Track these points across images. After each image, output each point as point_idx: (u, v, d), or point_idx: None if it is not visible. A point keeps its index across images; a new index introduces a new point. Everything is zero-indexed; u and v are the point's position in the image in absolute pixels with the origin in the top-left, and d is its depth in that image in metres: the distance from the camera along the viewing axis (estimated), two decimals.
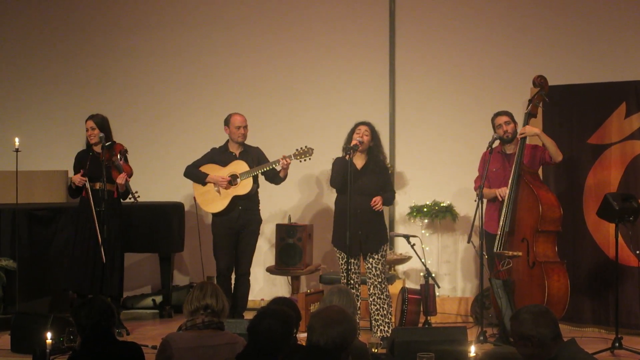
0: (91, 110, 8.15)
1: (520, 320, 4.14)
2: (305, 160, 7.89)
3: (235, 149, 8.07)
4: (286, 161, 7.80)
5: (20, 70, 10.22)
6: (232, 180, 7.92)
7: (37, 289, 8.83)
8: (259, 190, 8.13)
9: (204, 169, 8.04)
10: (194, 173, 8.06)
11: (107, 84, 10.01)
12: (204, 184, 8.01)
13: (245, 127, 8.05)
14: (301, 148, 7.85)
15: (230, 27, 9.84)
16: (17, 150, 7.93)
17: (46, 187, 9.46)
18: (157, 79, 9.96)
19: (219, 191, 7.95)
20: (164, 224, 9.00)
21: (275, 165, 7.85)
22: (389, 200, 7.74)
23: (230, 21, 9.85)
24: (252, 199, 8.01)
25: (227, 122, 8.08)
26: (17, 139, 7.96)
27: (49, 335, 5.32)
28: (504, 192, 7.43)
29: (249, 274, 8.12)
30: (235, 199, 7.92)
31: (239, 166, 7.95)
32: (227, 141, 8.12)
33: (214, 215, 8.05)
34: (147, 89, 9.98)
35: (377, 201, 7.43)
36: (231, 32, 9.84)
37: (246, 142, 8.14)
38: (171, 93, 9.93)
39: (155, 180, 9.14)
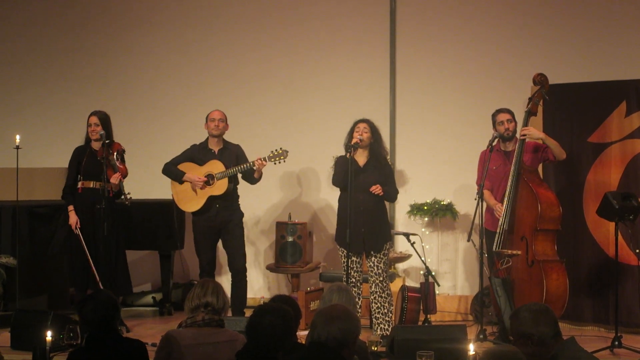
0: (92, 108, 8.15)
1: (520, 318, 4.14)
2: (279, 162, 7.90)
3: (214, 146, 8.08)
4: (261, 163, 7.81)
5: (21, 67, 10.23)
6: (209, 179, 7.93)
7: (37, 286, 8.84)
8: (238, 187, 8.13)
9: (182, 167, 8.06)
10: (172, 171, 8.08)
11: (107, 81, 10.02)
12: (180, 182, 8.04)
13: (221, 120, 8.03)
14: (276, 150, 7.86)
15: (231, 25, 9.85)
16: (17, 148, 7.94)
17: (47, 185, 9.46)
18: (158, 77, 9.96)
19: (195, 190, 7.97)
20: (163, 222, 9.00)
21: (251, 166, 7.85)
22: (391, 195, 7.73)
23: (230, 19, 9.86)
24: (229, 197, 8.02)
25: (206, 118, 8.11)
26: (17, 136, 7.97)
27: (49, 332, 5.32)
28: (500, 211, 7.43)
29: (245, 270, 8.11)
30: (211, 199, 7.94)
31: (215, 166, 7.96)
32: (207, 138, 8.12)
33: (193, 214, 8.08)
34: (148, 87, 9.98)
35: (376, 187, 7.40)
36: (232, 30, 9.84)
37: (232, 141, 8.16)
38: (172, 90, 9.94)
39: (155, 177, 9.11)
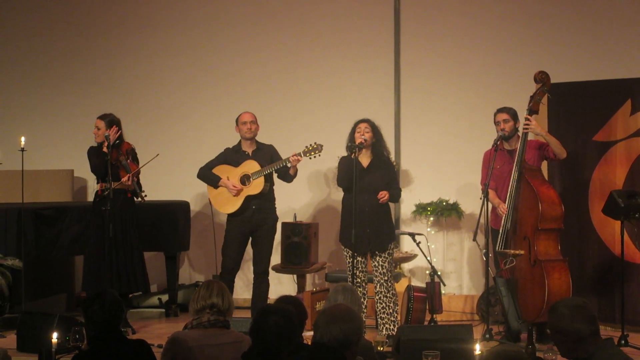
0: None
1: (558, 313, 4.09)
2: (315, 156, 7.89)
3: (247, 148, 8.09)
4: (296, 158, 7.81)
5: (26, 69, 10.25)
6: (245, 180, 7.94)
7: (43, 289, 8.86)
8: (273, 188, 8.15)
9: (217, 170, 8.05)
10: (207, 176, 8.09)
11: (112, 83, 10.03)
12: (216, 187, 8.04)
13: (252, 122, 8.06)
14: (310, 145, 7.85)
15: (235, 25, 9.86)
16: (22, 150, 7.95)
17: (52, 187, 9.49)
18: (163, 78, 9.97)
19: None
20: (169, 223, 9.01)
21: (287, 163, 7.86)
22: (394, 197, 7.73)
23: (234, 20, 9.87)
24: (266, 197, 8.03)
25: (236, 121, 8.11)
26: (22, 139, 7.98)
27: (55, 334, 5.33)
28: (504, 210, 7.40)
29: (267, 273, 8.13)
30: (249, 199, 7.94)
31: (251, 166, 7.96)
32: (240, 140, 8.14)
33: (229, 215, 8.08)
34: (153, 88, 9.99)
35: (383, 194, 7.42)
36: (236, 30, 9.85)
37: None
38: (176, 91, 9.95)
39: (160, 179, 9.14)
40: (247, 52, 9.82)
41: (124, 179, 7.76)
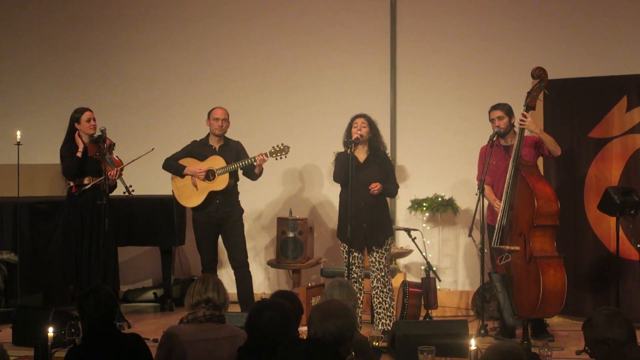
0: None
1: (593, 324, 4.07)
2: (281, 157, 7.89)
3: (215, 142, 8.08)
4: (262, 158, 7.81)
5: (22, 63, 10.24)
6: (210, 175, 7.93)
7: (38, 282, 8.85)
8: (238, 183, 8.12)
9: (182, 162, 8.05)
10: (173, 165, 8.08)
11: (108, 77, 10.02)
12: (182, 176, 8.04)
13: (224, 119, 8.03)
14: (277, 146, 7.86)
15: (231, 20, 9.85)
16: (18, 144, 7.94)
17: (48, 181, 9.48)
18: (158, 73, 9.97)
19: (196, 185, 7.97)
20: (164, 218, 8.99)
21: (252, 162, 7.86)
22: (391, 192, 7.73)
23: (230, 15, 9.86)
24: (230, 192, 8.02)
25: (208, 115, 8.09)
26: (18, 132, 7.97)
27: (50, 328, 5.32)
28: (498, 206, 7.39)
29: (247, 265, 8.10)
30: (212, 194, 7.94)
31: (216, 161, 7.96)
32: (208, 134, 8.13)
33: (193, 209, 8.09)
34: (148, 83, 9.99)
35: (375, 185, 7.40)
36: (231, 25, 9.84)
37: (233, 136, 8.16)
38: (171, 86, 9.94)
39: (155, 173, 9.11)
40: (244, 47, 9.81)
41: (112, 172, 7.71)
